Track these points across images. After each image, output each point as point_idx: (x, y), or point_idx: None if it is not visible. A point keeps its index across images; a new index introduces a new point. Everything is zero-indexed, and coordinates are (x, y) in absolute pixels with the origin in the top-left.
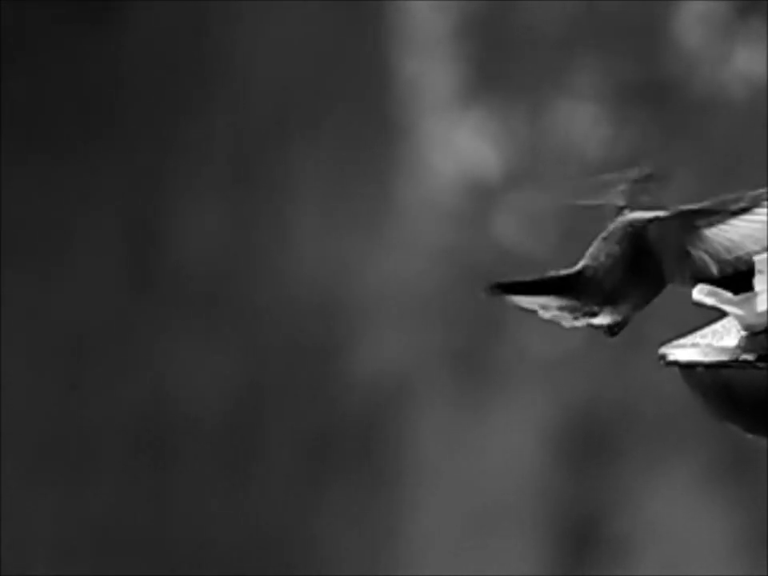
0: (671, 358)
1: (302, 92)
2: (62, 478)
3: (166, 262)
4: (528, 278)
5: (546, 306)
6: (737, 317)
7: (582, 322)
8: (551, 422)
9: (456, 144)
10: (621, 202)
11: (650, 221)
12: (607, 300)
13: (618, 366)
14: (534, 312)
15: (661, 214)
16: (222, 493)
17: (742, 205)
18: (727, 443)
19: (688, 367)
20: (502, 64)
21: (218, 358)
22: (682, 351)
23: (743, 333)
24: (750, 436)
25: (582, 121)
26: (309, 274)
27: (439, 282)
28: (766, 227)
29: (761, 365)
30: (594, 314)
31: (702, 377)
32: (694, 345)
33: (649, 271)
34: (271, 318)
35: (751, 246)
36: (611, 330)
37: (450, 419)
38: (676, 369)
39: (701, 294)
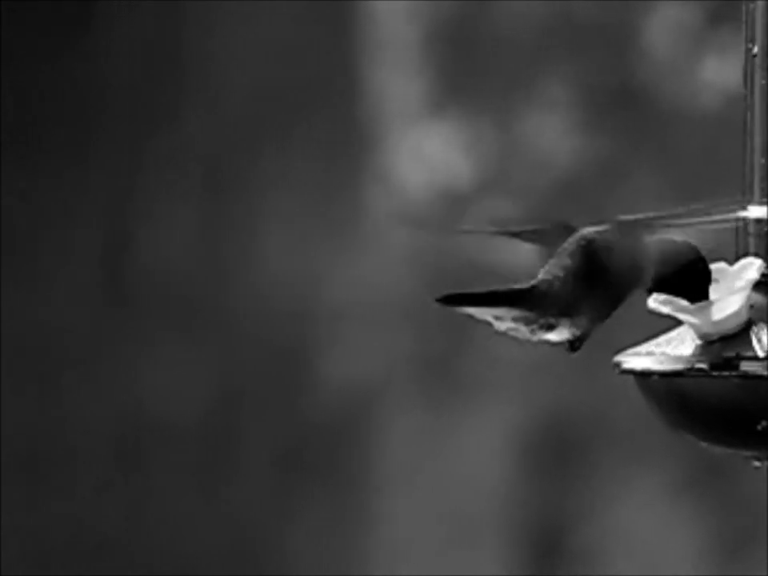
0: (626, 366)
1: (274, 102)
2: (39, 484)
3: (139, 271)
4: (480, 289)
5: (499, 317)
6: (692, 325)
7: (539, 336)
8: (522, 430)
9: (426, 152)
10: (568, 222)
11: (599, 233)
12: (563, 312)
13: (588, 373)
14: (489, 324)
15: (607, 226)
16: (196, 499)
17: (681, 215)
18: (696, 452)
19: (643, 375)
20: (471, 73)
21: (192, 366)
22: (637, 359)
23: (698, 341)
24: (703, 445)
25: (553, 129)
26: (281, 281)
27: (410, 289)
28: (708, 233)
29: (715, 373)
30: (552, 327)
31: (656, 385)
32: (649, 353)
33: (603, 283)
34: (244, 326)
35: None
36: (572, 344)
37: (421, 426)
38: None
39: (656, 301)
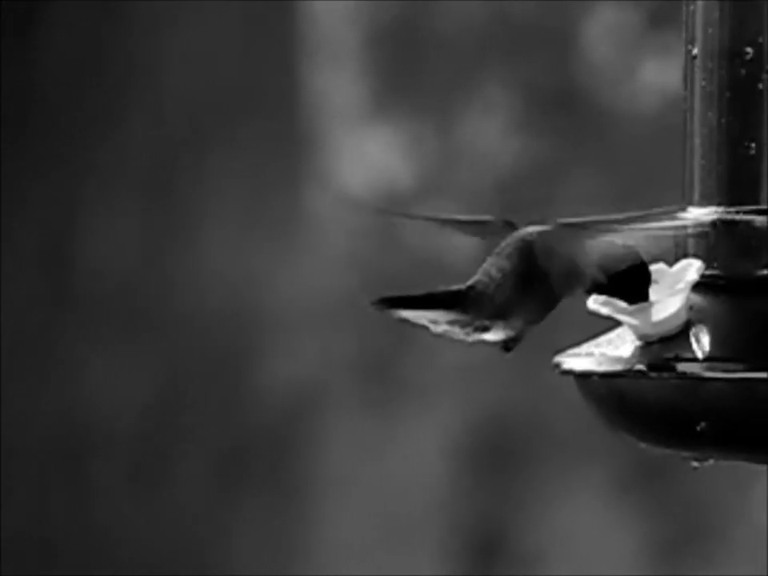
0: (566, 366)
1: (214, 105)
2: None
3: (82, 272)
4: (415, 292)
5: (434, 321)
6: (631, 326)
7: (474, 337)
8: (462, 432)
9: (367, 154)
10: (509, 218)
11: (539, 235)
12: (497, 315)
13: (528, 375)
14: (424, 327)
15: (547, 227)
16: (137, 500)
17: (623, 217)
18: (636, 453)
19: (582, 376)
20: (412, 75)
21: (133, 368)
22: (577, 360)
23: (638, 342)
24: (643, 446)
25: (493, 131)
26: (222, 284)
27: (350, 292)
28: (648, 238)
29: (654, 374)
30: (486, 329)
31: (596, 386)
32: (588, 354)
33: (540, 285)
34: (185, 328)
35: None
36: (506, 344)
37: (363, 428)
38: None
39: (596, 302)
